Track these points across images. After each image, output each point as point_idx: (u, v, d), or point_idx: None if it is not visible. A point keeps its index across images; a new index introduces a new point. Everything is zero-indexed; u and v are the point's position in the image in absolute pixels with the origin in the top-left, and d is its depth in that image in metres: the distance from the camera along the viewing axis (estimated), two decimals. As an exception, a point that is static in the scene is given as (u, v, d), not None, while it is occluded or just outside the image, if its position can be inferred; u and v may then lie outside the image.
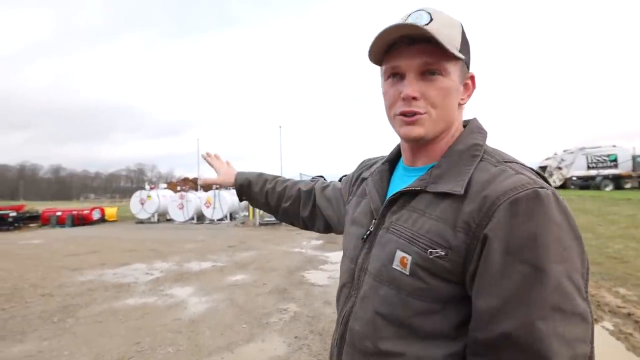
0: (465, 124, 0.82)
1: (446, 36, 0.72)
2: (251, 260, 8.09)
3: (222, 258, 8.44)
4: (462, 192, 0.69)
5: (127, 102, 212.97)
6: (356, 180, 1.01)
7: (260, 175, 1.31)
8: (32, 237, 13.89)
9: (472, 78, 0.80)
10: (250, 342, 3.80)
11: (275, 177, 1.31)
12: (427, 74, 0.73)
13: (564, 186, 23.75)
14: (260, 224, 15.71)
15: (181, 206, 18.42)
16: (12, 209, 18.49)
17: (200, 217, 18.57)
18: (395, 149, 0.92)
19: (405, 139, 0.78)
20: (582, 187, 23.08)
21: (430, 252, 0.69)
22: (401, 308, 0.71)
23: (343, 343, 0.81)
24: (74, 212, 18.68)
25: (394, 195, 0.78)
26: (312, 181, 1.28)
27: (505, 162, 0.72)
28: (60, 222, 18.09)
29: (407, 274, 0.71)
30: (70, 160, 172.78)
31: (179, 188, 20.72)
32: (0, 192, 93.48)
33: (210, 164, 1.40)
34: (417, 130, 0.75)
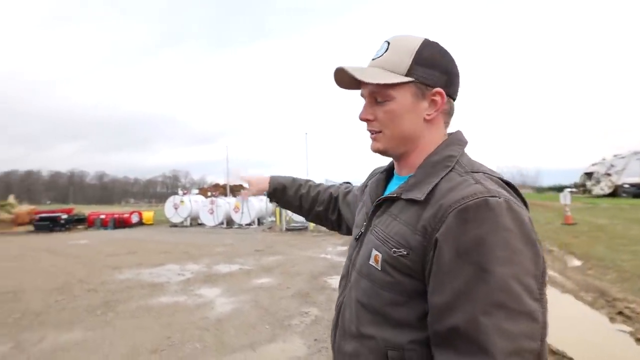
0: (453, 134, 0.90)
1: (391, 64, 0.82)
2: (277, 264, 8.35)
3: (249, 261, 8.76)
4: (423, 199, 0.76)
5: (166, 113, 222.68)
6: (364, 187, 1.12)
7: (294, 180, 1.39)
8: (79, 238, 14.95)
9: (439, 93, 0.83)
10: (272, 342, 3.99)
11: (307, 182, 1.40)
12: (377, 99, 0.85)
13: (614, 194, 21.53)
14: (287, 229, 15.98)
15: (211, 211, 19.10)
16: (63, 212, 19.90)
17: (229, 222, 19.15)
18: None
19: (372, 151, 0.90)
20: (635, 195, 21.07)
21: (394, 251, 0.77)
22: (375, 298, 0.80)
23: (337, 327, 0.92)
24: (116, 216, 19.86)
25: (378, 201, 0.88)
26: (339, 186, 1.37)
27: (472, 172, 0.78)
28: (104, 225, 19.29)
29: (379, 269, 0.79)
30: (113, 167, 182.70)
31: (209, 194, 21.42)
32: (54, 197, 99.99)
33: (242, 181, 1.47)
34: (375, 145, 0.87)
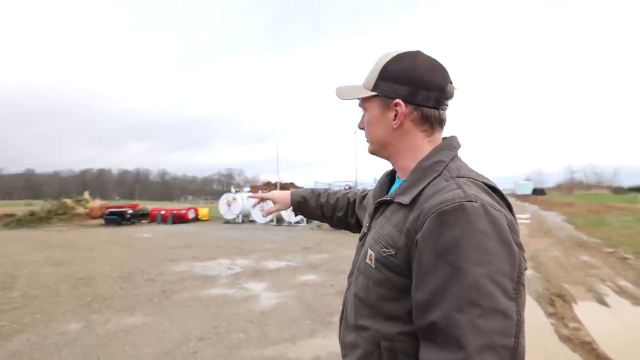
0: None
1: (365, 81, 0.95)
2: (322, 262, 8.49)
3: (296, 258, 8.99)
4: (408, 202, 0.82)
5: (225, 114, 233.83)
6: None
7: (313, 190, 1.47)
8: (143, 232, 16.16)
9: (397, 104, 0.90)
10: (312, 337, 4.12)
11: (326, 190, 1.47)
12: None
13: None
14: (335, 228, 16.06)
15: (262, 208, 19.69)
16: (129, 207, 21.55)
17: (279, 219, 19.61)
18: None
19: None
20: None
21: (384, 251, 0.83)
22: (370, 294, 0.86)
23: (341, 320, 1.01)
24: (174, 212, 21.15)
25: (376, 203, 0.95)
26: (356, 191, 1.44)
27: (457, 177, 0.82)
28: (164, 220, 20.64)
29: (373, 267, 0.86)
30: (174, 165, 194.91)
31: (260, 192, 22.13)
32: (122, 193, 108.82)
33: (265, 200, 1.56)
34: (368, 148, 1.01)
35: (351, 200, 1.40)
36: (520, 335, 0.70)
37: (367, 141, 0.99)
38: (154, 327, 4.45)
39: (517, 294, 0.71)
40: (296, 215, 1.50)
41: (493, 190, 0.81)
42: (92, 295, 5.83)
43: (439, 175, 0.84)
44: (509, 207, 0.80)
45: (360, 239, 1.02)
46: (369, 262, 0.88)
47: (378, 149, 0.98)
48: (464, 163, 0.90)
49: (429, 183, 0.84)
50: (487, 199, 0.76)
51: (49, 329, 4.37)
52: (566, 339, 3.93)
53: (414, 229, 0.78)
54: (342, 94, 0.99)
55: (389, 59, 0.92)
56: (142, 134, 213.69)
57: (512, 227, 0.75)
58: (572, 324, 4.35)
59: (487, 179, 0.84)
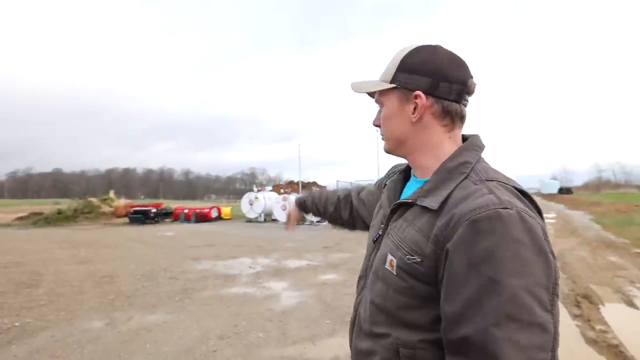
0: (466, 139, 0.90)
1: (384, 74, 0.91)
2: (343, 261, 8.42)
3: (317, 258, 8.94)
4: (437, 207, 0.77)
5: (249, 113, 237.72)
6: (383, 186, 1.13)
7: (310, 193, 1.59)
8: (166, 230, 16.48)
9: (418, 96, 0.85)
10: (331, 337, 4.06)
11: (322, 190, 1.57)
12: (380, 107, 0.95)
13: None
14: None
15: (284, 207, 19.75)
16: (153, 206, 22.08)
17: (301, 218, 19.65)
18: None
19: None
20: None
21: (408, 258, 0.78)
22: (389, 301, 0.82)
23: (354, 324, 0.95)
24: (197, 210, 21.50)
25: (394, 205, 0.89)
26: (352, 188, 1.48)
27: (487, 180, 0.78)
28: (187, 219, 21.01)
29: (394, 274, 0.81)
30: (198, 164, 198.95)
31: (282, 190, 22.20)
32: (147, 192, 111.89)
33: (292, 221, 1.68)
34: (384, 147, 0.96)
35: (341, 196, 1.44)
36: (556, 347, 0.67)
37: (383, 139, 0.94)
38: (174, 325, 4.46)
39: (552, 306, 0.68)
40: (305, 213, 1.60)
41: (523, 194, 0.77)
42: (115, 293, 5.91)
43: (466, 177, 0.80)
44: (540, 213, 0.76)
45: (374, 241, 0.95)
46: (389, 269, 0.83)
47: (395, 146, 0.93)
48: (488, 164, 0.86)
49: (456, 186, 0.79)
50: (520, 205, 0.73)
51: (72, 326, 4.44)
52: (592, 342, 3.82)
53: (444, 236, 0.73)
54: (358, 87, 0.95)
55: (407, 51, 0.89)
56: (167, 133, 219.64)
57: (546, 235, 0.72)
58: (598, 326, 4.22)
59: (515, 182, 0.81)
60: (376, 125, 0.96)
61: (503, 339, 0.64)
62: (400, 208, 0.88)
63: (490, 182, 0.77)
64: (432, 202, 0.79)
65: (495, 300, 0.65)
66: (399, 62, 0.88)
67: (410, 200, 0.85)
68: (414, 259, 0.77)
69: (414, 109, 0.86)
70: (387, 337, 0.81)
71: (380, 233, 0.93)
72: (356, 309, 0.96)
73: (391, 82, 0.88)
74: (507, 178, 0.81)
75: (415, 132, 0.88)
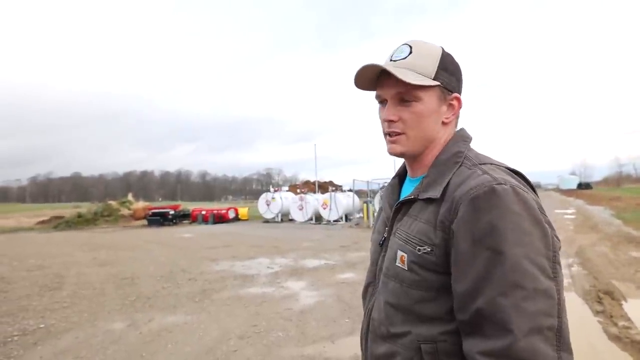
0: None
1: (418, 67, 0.84)
2: (361, 260, 8.34)
3: (335, 257, 8.90)
4: (439, 196, 0.80)
5: (270, 114, 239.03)
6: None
7: None
8: (184, 232, 16.68)
9: (457, 99, 0.89)
10: (350, 336, 4.02)
11: None
12: (403, 100, 0.86)
13: None
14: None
15: (301, 207, 19.80)
16: (171, 208, 22.44)
17: (318, 218, 19.65)
18: (403, 164, 1.03)
19: (390, 154, 0.91)
20: None
21: (419, 249, 0.80)
22: (404, 298, 0.82)
23: (368, 331, 0.94)
24: (215, 212, 21.73)
25: (396, 205, 0.91)
26: None
27: (479, 164, 0.82)
28: (205, 220, 21.25)
29: (406, 269, 0.82)
30: (215, 166, 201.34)
31: (298, 190, 22.21)
32: (164, 194, 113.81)
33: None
34: (397, 148, 0.88)
35: None
36: (563, 314, 0.69)
37: (400, 137, 0.87)
38: (194, 325, 4.48)
39: (554, 273, 0.71)
40: None
41: (516, 173, 0.81)
42: (136, 294, 5.99)
43: (460, 165, 0.84)
44: (533, 190, 0.80)
45: (380, 244, 0.96)
46: (400, 265, 0.84)
47: (418, 146, 0.88)
48: (478, 152, 0.89)
49: (453, 174, 0.83)
50: (514, 181, 0.76)
51: (95, 328, 4.51)
52: (615, 338, 3.71)
53: (448, 219, 0.77)
54: (405, 75, 0.82)
55: (440, 49, 0.88)
56: (186, 136, 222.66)
57: (541, 207, 0.75)
58: (621, 322, 4.10)
59: (507, 164, 0.84)
60: (392, 121, 0.87)
61: (510, 307, 0.66)
62: (403, 207, 0.89)
63: (483, 165, 0.81)
64: (434, 192, 0.82)
65: (500, 271, 0.68)
66: (438, 59, 0.86)
67: (412, 197, 0.86)
68: (424, 248, 0.79)
69: (448, 109, 0.88)
70: (407, 335, 0.81)
71: (385, 236, 0.93)
72: (369, 316, 0.94)
73: (434, 79, 0.85)
74: (499, 162, 0.84)
75: (440, 133, 0.89)
